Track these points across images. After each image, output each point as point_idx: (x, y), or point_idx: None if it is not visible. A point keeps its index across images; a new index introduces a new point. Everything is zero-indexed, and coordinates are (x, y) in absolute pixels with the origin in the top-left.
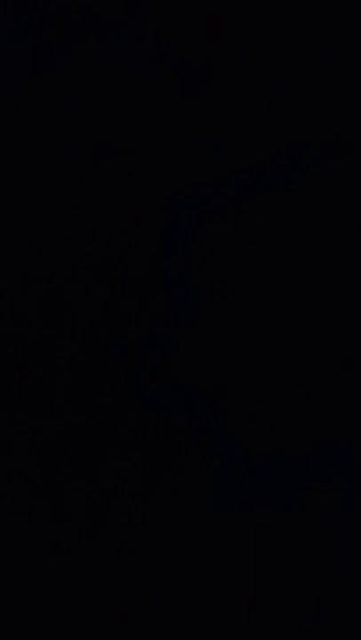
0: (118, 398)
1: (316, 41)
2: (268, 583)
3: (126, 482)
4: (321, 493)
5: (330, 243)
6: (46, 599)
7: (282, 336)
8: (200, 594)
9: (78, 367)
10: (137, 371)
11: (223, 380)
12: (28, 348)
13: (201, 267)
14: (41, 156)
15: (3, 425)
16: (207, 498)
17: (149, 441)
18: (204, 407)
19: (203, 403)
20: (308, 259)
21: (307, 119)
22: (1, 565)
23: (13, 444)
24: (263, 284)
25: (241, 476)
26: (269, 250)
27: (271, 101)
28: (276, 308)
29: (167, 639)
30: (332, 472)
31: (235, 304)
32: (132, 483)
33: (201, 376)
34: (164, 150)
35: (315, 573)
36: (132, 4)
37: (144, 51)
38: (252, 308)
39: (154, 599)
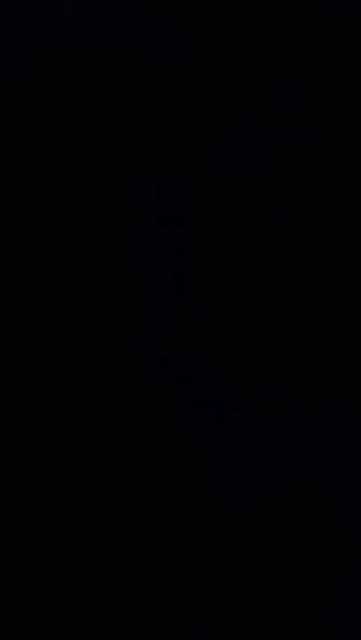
0: (119, 366)
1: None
2: (268, 559)
3: (125, 453)
4: (320, 470)
5: (319, 210)
6: (44, 574)
7: (281, 304)
8: (199, 569)
9: (77, 339)
10: (137, 339)
11: (224, 348)
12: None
13: (195, 234)
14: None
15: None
16: (208, 470)
17: (150, 408)
18: (205, 376)
19: (204, 371)
20: (302, 221)
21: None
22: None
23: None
24: (259, 248)
25: (241, 449)
26: (262, 213)
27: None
28: (275, 278)
29: (166, 614)
30: (331, 448)
31: (234, 273)
32: (132, 453)
33: (201, 345)
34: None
35: (315, 551)
36: None
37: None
38: (250, 279)
39: (152, 570)
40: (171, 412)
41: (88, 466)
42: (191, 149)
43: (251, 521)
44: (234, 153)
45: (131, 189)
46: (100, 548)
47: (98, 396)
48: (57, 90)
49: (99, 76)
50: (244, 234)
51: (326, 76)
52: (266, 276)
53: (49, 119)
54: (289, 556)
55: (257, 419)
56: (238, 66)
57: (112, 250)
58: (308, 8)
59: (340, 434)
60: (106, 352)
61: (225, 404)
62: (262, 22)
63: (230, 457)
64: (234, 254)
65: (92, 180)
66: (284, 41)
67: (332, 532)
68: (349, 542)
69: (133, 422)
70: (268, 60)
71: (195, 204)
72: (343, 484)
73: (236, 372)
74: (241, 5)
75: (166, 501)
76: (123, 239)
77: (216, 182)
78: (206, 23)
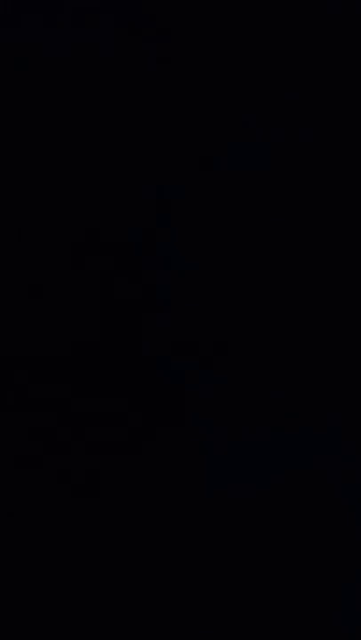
0: (119, 366)
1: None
2: (261, 562)
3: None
4: (315, 471)
5: (319, 210)
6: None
7: (280, 305)
8: (193, 569)
9: (76, 334)
10: (137, 339)
11: (224, 348)
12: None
13: (194, 232)
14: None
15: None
16: (208, 470)
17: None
18: (205, 376)
19: (204, 371)
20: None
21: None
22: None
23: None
24: (259, 248)
25: (230, 452)
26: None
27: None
28: (275, 278)
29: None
30: (326, 450)
31: (233, 270)
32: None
33: (201, 345)
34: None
35: (308, 553)
36: None
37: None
38: (250, 279)
39: (146, 570)
40: (171, 412)
41: (88, 466)
42: (191, 149)
43: (251, 521)
44: (234, 153)
45: (131, 189)
46: (100, 547)
47: (98, 395)
48: (57, 90)
49: (99, 77)
50: (244, 234)
51: (326, 76)
52: (266, 275)
53: (49, 119)
54: (289, 556)
55: (257, 419)
56: (238, 66)
57: (112, 250)
58: (308, 8)
59: (340, 434)
60: (106, 352)
61: (225, 404)
62: (262, 22)
63: (230, 457)
64: (234, 254)
65: (92, 180)
66: (284, 41)
67: (333, 532)
68: (349, 542)
69: (133, 422)
70: (267, 60)
71: (195, 204)
72: (343, 483)
73: (236, 372)
74: (241, 5)
75: (166, 501)
76: (123, 239)
77: (216, 182)
78: (206, 23)
